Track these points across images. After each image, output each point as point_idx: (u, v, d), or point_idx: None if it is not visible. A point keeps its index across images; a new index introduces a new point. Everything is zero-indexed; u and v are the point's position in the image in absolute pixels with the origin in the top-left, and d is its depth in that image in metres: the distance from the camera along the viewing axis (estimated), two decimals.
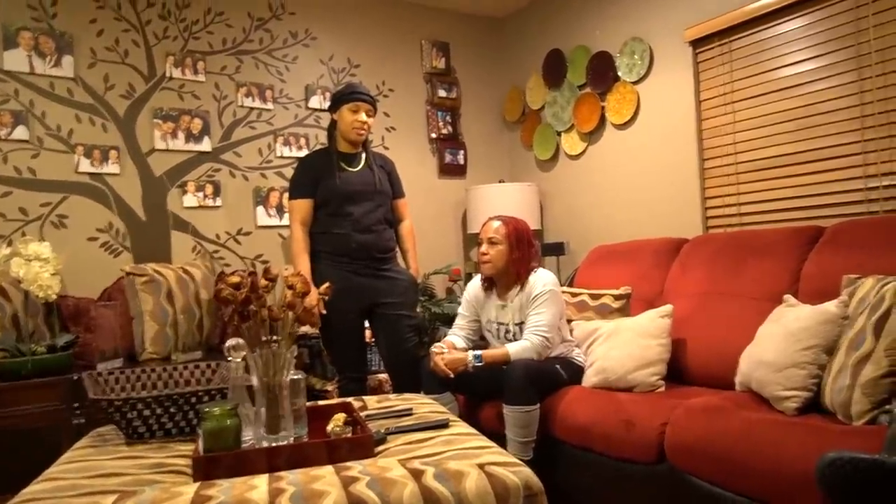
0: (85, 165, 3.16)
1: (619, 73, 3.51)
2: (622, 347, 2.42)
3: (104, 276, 3.14)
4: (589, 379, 2.45)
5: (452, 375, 2.40)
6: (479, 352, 2.42)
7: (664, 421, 1.99)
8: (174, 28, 3.42)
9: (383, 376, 3.21)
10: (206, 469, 1.37)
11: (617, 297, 2.78)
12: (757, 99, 2.88)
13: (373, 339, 2.87)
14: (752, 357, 2.05)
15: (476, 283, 2.70)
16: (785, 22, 2.75)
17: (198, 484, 1.29)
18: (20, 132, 3.01)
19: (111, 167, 3.22)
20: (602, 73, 3.61)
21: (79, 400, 2.55)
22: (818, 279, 2.20)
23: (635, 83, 3.45)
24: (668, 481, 1.94)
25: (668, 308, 2.47)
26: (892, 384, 1.61)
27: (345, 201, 2.67)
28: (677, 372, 2.45)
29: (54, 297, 2.59)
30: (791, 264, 2.34)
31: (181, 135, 3.40)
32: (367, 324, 2.79)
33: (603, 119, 3.66)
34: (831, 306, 1.87)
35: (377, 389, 3.16)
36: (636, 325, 2.48)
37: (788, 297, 2.11)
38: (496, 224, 2.57)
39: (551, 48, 3.98)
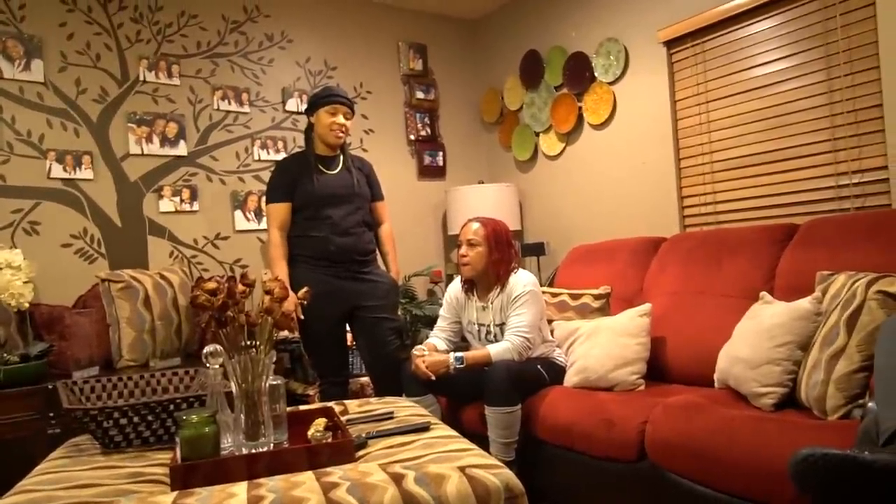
0: (57, 171, 3.10)
1: (596, 74, 3.54)
2: (602, 347, 2.44)
3: (79, 283, 3.08)
4: (570, 379, 2.46)
5: (434, 378, 2.40)
6: (460, 354, 2.42)
7: (644, 419, 2.01)
8: (147, 31, 3.37)
9: (365, 380, 3.19)
10: (185, 478, 1.35)
11: (597, 297, 2.80)
12: (730, 99, 2.92)
13: (354, 343, 2.86)
14: (729, 354, 2.08)
15: (457, 284, 2.71)
16: (756, 22, 2.79)
17: (175, 493, 1.28)
18: None
19: (84, 173, 3.17)
20: (578, 73, 3.64)
21: (54, 409, 2.50)
22: (793, 276, 2.24)
23: (611, 83, 3.47)
24: (648, 479, 1.95)
25: (646, 307, 2.50)
26: (865, 379, 1.64)
27: (323, 204, 2.66)
28: (657, 370, 2.48)
29: (27, 305, 2.54)
30: (766, 262, 2.38)
31: (156, 139, 3.36)
32: (348, 327, 2.77)
33: (580, 119, 3.69)
34: (805, 303, 1.90)
35: (359, 393, 3.15)
36: (616, 324, 2.50)
37: (764, 295, 2.14)
38: (475, 226, 2.58)
39: (528, 49, 4.00)
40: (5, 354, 2.52)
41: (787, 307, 1.93)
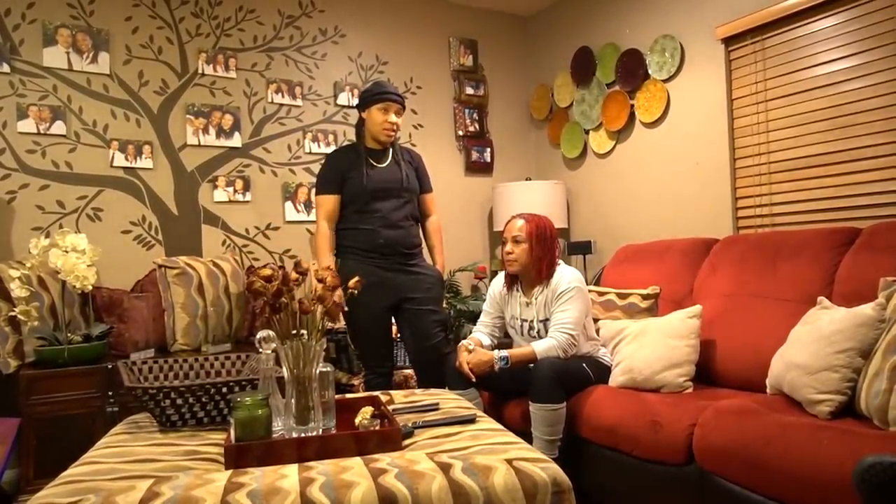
0: (119, 160, 3.23)
1: (650, 71, 3.48)
2: (650, 347, 2.40)
3: (137, 268, 3.20)
4: (615, 378, 2.43)
5: (475, 380, 2.41)
6: (505, 353, 2.41)
7: (692, 422, 1.97)
8: (206, 25, 3.47)
9: (409, 372, 3.22)
10: (238, 457, 1.39)
11: (645, 297, 2.76)
12: (790, 98, 2.83)
13: (398, 335, 2.89)
14: (784, 359, 2.02)
15: (501, 279, 2.70)
16: (820, 19, 2.70)
17: (230, 471, 1.32)
18: (58, 127, 3.09)
19: (144, 162, 3.28)
20: (632, 70, 3.58)
21: (113, 388, 2.61)
22: (853, 281, 2.16)
23: (666, 81, 3.41)
24: (695, 483, 1.92)
25: (696, 309, 2.44)
26: None
27: (372, 198, 2.69)
28: (706, 373, 2.42)
29: (90, 287, 2.65)
30: (825, 266, 2.30)
31: (212, 130, 3.46)
32: (393, 319, 2.80)
33: (632, 117, 3.63)
34: (868, 309, 1.83)
35: (402, 385, 3.18)
36: (664, 325, 2.46)
37: (822, 300, 2.07)
38: (520, 223, 2.56)
39: (580, 46, 3.96)
40: (69, 334, 2.63)
41: (849, 313, 1.87)
